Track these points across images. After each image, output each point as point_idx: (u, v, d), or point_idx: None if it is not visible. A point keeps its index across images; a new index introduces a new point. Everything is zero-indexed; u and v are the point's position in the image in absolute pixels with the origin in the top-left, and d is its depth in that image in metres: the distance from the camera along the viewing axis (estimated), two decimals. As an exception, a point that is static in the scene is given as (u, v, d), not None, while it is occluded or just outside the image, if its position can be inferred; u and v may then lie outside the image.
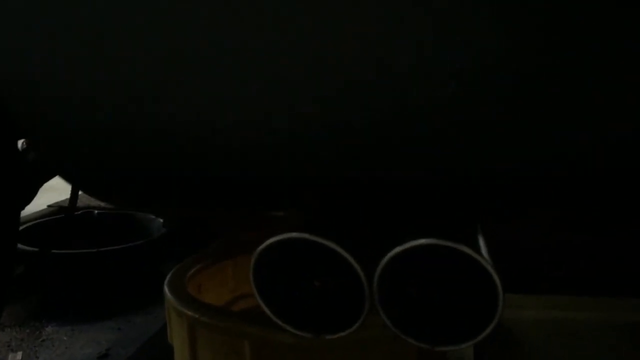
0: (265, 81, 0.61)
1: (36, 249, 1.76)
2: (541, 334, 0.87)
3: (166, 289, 1.12)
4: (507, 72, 0.56)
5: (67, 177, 0.90)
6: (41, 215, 2.25)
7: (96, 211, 2.15)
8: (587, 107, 0.57)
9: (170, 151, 0.69)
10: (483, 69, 0.56)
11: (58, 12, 0.65)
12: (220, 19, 0.59)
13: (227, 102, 0.63)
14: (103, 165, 0.76)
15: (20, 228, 1.93)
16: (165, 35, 0.62)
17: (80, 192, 1.65)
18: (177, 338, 1.08)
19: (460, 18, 0.55)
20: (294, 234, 0.66)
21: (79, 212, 2.13)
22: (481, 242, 0.74)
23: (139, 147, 0.71)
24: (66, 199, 2.04)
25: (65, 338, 1.55)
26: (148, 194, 0.81)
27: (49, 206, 2.41)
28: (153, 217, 2.11)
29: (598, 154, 0.60)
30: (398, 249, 0.64)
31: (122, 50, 0.64)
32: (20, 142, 1.06)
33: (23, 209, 1.14)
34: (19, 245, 1.77)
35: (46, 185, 1.13)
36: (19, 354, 1.48)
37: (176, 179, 0.74)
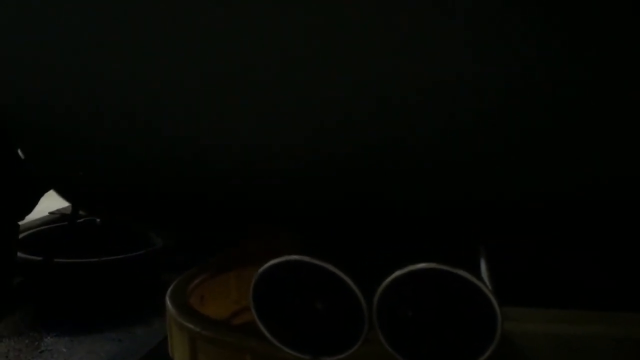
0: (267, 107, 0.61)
1: (38, 258, 1.74)
2: (545, 348, 0.86)
3: (168, 301, 1.11)
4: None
5: (59, 191, 0.90)
6: (42, 222, 2.24)
7: (98, 220, 2.14)
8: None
9: (165, 171, 0.69)
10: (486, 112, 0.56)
11: (60, 24, 0.65)
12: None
13: (226, 127, 0.63)
14: (96, 182, 0.76)
15: (21, 236, 1.93)
16: (166, 58, 0.62)
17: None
18: (178, 351, 1.07)
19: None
20: (294, 257, 0.67)
21: (81, 221, 2.12)
22: (482, 264, 0.74)
23: (132, 166, 0.71)
24: (68, 206, 2.04)
25: (64, 349, 1.53)
26: (141, 212, 0.81)
27: (50, 213, 2.41)
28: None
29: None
30: (398, 273, 0.64)
31: (120, 66, 0.64)
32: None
33: (23, 218, 1.14)
34: (20, 254, 1.77)
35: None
36: (17, 365, 1.47)
37: (171, 200, 0.74)
